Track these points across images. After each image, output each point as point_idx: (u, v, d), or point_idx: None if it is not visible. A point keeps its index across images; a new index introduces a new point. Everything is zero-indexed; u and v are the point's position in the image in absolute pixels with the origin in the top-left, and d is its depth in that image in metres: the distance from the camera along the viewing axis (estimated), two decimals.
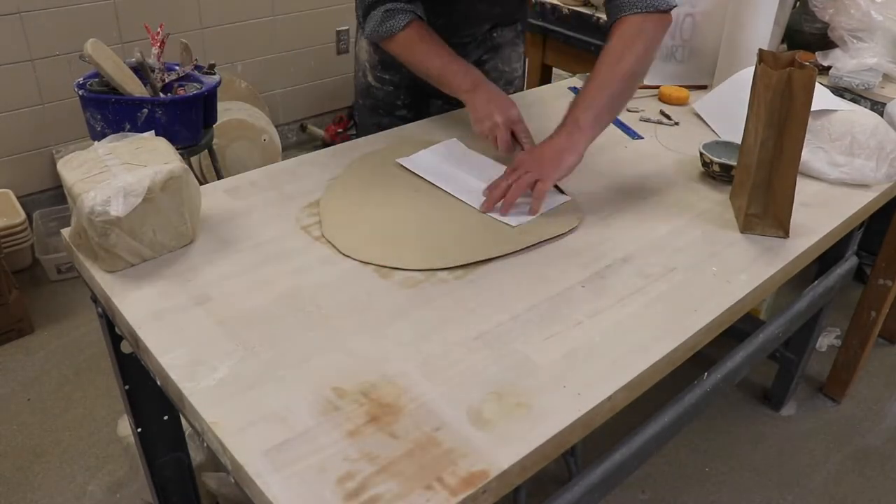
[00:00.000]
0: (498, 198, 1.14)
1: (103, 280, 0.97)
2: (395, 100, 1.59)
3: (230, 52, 2.98)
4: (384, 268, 1.02)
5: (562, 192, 1.22)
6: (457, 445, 0.74)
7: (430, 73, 1.32)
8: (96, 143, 1.05)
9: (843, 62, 1.65)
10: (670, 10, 1.21)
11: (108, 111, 2.00)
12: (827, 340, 2.22)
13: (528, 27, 2.31)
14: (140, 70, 2.11)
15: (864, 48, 1.63)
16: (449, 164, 1.28)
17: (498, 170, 1.24)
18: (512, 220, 1.13)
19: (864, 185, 1.31)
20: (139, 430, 1.21)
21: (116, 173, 0.96)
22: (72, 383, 2.01)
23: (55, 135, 2.65)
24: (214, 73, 2.23)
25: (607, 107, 1.18)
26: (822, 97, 1.36)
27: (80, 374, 2.04)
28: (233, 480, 0.76)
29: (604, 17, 2.13)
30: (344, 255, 1.04)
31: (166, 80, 2.16)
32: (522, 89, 1.70)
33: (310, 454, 0.73)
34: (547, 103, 1.61)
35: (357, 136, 1.49)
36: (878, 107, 1.58)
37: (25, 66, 2.50)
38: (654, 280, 1.02)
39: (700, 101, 1.60)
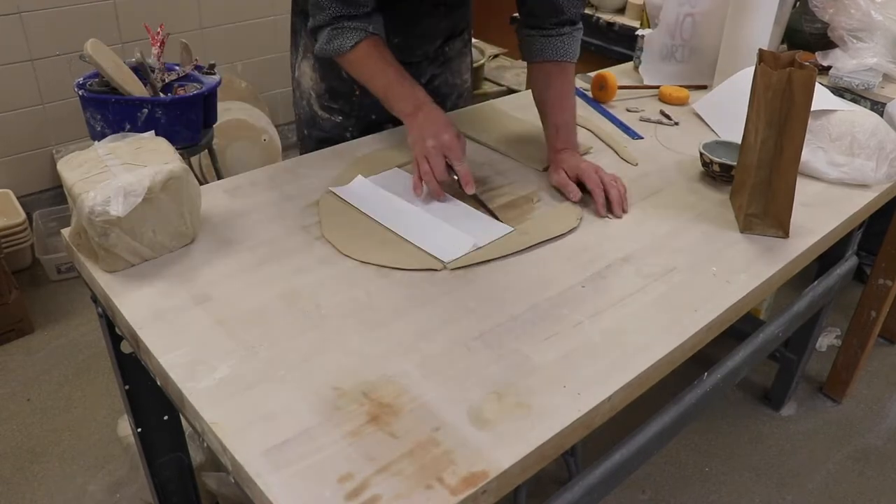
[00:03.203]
0: (604, 198, 1.18)
1: (103, 280, 0.97)
2: (343, 131, 1.46)
3: (230, 52, 2.98)
4: (384, 268, 1.02)
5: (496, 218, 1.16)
6: (457, 445, 0.74)
7: (376, 93, 1.25)
8: (96, 143, 1.05)
9: (843, 62, 1.65)
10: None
11: (108, 111, 2.01)
12: (827, 340, 2.22)
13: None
14: (140, 70, 2.11)
15: (864, 48, 1.64)
16: (388, 192, 1.19)
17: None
18: (446, 254, 1.05)
19: (864, 185, 1.31)
20: (139, 430, 1.21)
21: (116, 173, 0.96)
22: (72, 383, 2.01)
23: (55, 135, 2.65)
24: (214, 73, 2.23)
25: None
26: (822, 97, 1.36)
27: (80, 374, 2.04)
28: (233, 480, 0.76)
29: (604, 17, 2.13)
30: (344, 255, 1.04)
31: (166, 80, 2.16)
32: (471, 99, 1.64)
33: (310, 454, 0.73)
34: None
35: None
36: (878, 107, 1.58)
37: (25, 66, 2.50)
38: (654, 280, 1.02)
39: (700, 101, 1.60)
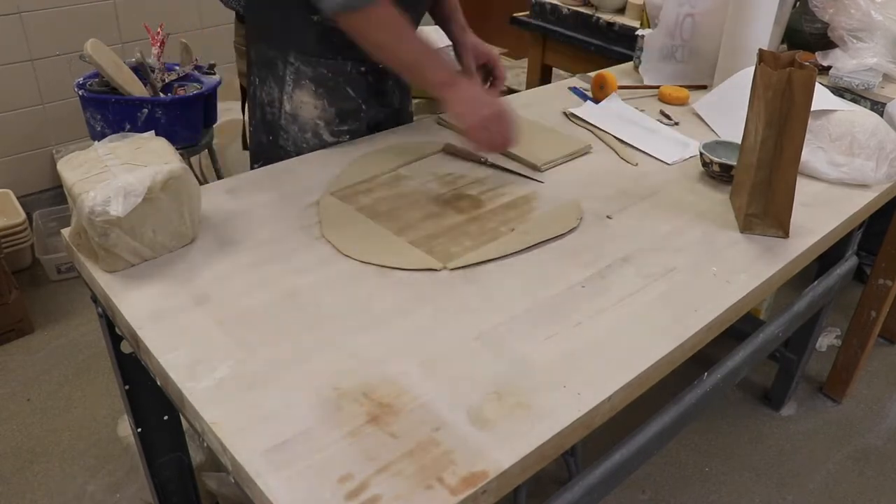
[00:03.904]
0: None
1: (103, 280, 0.97)
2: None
3: (230, 52, 2.97)
4: (384, 268, 1.02)
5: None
6: (457, 445, 0.74)
7: (400, 58, 1.20)
8: (96, 143, 1.05)
9: (843, 62, 1.65)
10: None
11: (108, 111, 2.01)
12: (827, 340, 2.22)
13: (528, 27, 2.33)
14: (140, 70, 2.11)
15: (864, 48, 1.64)
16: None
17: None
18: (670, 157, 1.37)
19: (864, 185, 1.31)
20: (139, 430, 1.21)
21: (116, 173, 0.96)
22: (72, 383, 2.01)
23: (55, 135, 2.65)
24: (214, 73, 2.23)
25: None
26: (822, 97, 1.36)
27: (80, 374, 2.04)
28: (233, 480, 0.76)
29: (604, 17, 2.13)
30: (344, 255, 1.04)
31: (166, 80, 2.16)
32: None
33: (310, 454, 0.73)
34: (547, 103, 1.62)
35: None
36: (878, 107, 1.58)
37: (25, 66, 2.50)
38: (654, 280, 1.02)
39: (700, 101, 1.60)
